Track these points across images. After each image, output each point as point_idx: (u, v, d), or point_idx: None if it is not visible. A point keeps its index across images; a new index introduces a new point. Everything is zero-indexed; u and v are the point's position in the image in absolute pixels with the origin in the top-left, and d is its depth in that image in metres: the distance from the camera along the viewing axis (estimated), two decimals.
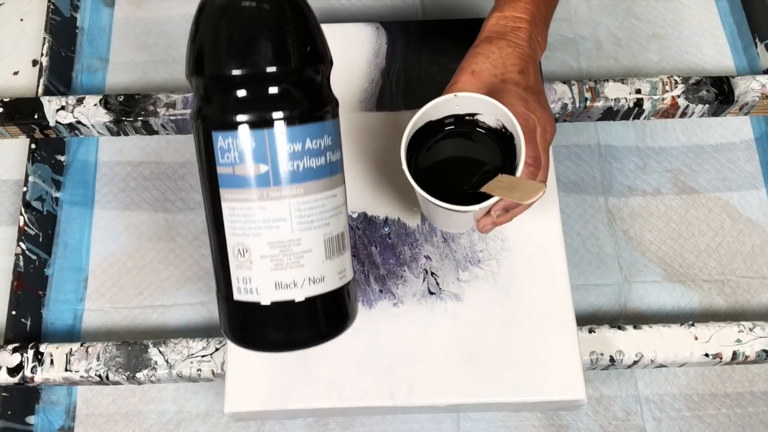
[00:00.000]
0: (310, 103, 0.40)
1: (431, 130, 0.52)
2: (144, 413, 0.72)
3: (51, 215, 0.78)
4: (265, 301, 0.40)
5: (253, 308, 0.41)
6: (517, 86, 0.50)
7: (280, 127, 0.38)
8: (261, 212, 0.39)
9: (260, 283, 0.40)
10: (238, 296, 0.41)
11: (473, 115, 0.51)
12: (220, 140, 0.39)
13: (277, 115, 0.38)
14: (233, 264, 0.41)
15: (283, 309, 0.41)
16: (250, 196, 0.39)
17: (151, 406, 0.72)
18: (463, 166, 0.52)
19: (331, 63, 0.43)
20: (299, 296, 0.40)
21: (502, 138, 0.51)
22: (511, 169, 0.50)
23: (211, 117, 0.40)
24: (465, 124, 0.52)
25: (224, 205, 0.40)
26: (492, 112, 0.49)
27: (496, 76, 0.50)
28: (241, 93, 0.38)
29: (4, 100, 0.76)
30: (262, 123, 0.38)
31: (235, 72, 0.38)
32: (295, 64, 0.39)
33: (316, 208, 0.40)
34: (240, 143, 0.38)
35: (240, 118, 0.38)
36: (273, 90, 0.39)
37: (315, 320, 0.42)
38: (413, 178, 0.47)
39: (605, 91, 0.74)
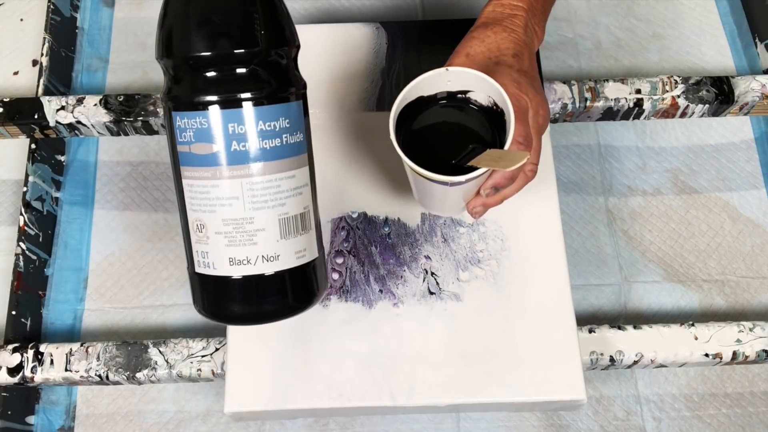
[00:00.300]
0: (264, 87, 0.41)
1: (422, 105, 0.51)
2: (144, 413, 0.72)
3: (51, 215, 0.78)
4: (222, 275, 0.42)
5: (212, 281, 0.42)
6: (510, 68, 0.50)
7: (229, 111, 0.40)
8: (215, 190, 0.41)
9: (216, 257, 0.41)
10: (198, 269, 0.43)
11: (465, 92, 0.51)
12: (178, 120, 0.41)
13: (228, 97, 0.40)
14: (193, 238, 0.43)
15: (239, 284, 0.42)
16: (204, 174, 0.41)
17: (151, 406, 0.72)
18: (453, 142, 0.52)
19: (290, 44, 0.43)
20: (253, 273, 0.41)
21: (494, 116, 0.50)
22: (500, 146, 0.49)
23: (172, 98, 0.41)
24: (457, 101, 0.51)
25: (184, 183, 0.42)
26: (484, 89, 0.49)
27: (490, 59, 0.51)
28: (192, 75, 0.40)
29: (4, 100, 0.76)
30: (210, 104, 0.40)
31: (185, 55, 0.40)
32: (245, 47, 0.40)
33: (270, 188, 0.41)
34: (193, 123, 0.40)
35: (193, 99, 0.40)
36: (221, 73, 0.40)
37: (271, 296, 0.43)
38: (402, 151, 0.47)
39: (605, 91, 0.74)
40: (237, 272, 0.41)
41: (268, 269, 0.41)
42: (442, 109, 0.52)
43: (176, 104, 0.41)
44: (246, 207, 0.40)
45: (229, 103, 0.40)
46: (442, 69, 0.48)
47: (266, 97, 0.40)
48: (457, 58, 0.51)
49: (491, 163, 0.45)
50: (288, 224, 0.42)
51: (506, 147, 0.46)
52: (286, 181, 0.41)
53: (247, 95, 0.40)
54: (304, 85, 0.44)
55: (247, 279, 0.41)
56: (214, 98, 0.39)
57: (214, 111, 0.39)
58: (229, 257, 0.41)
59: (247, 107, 0.40)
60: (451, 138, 0.52)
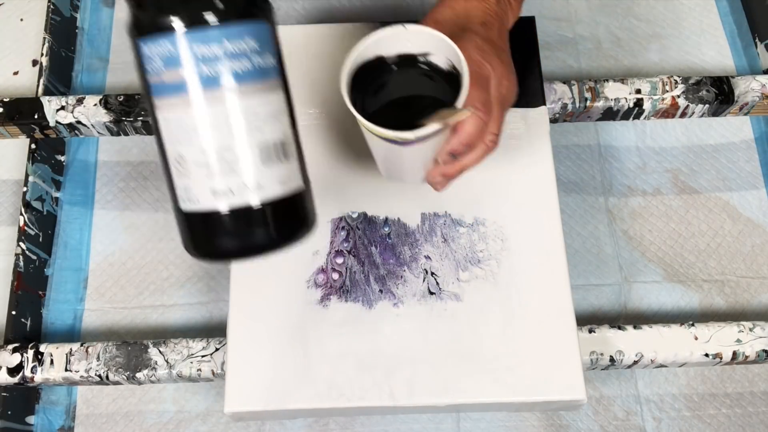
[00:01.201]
0: (226, 4, 0.39)
1: (381, 65, 0.50)
2: (144, 413, 0.72)
3: (51, 215, 0.78)
4: (205, 209, 0.40)
5: (198, 218, 0.41)
6: (476, 35, 0.49)
7: (194, 31, 0.38)
8: (190, 120, 0.39)
9: (198, 191, 0.40)
10: (182, 205, 0.42)
11: (425, 54, 0.50)
12: (144, 48, 0.39)
13: (191, 15, 0.38)
14: (174, 173, 0.41)
15: (225, 216, 0.40)
16: (177, 102, 0.39)
17: (151, 406, 0.72)
18: (411, 105, 0.51)
19: None
20: (238, 203, 0.40)
21: (454, 80, 0.49)
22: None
23: (136, 26, 0.40)
24: (416, 62, 0.50)
25: (158, 115, 0.40)
26: (443, 51, 0.48)
27: (457, 25, 0.50)
28: None
29: (4, 100, 0.76)
30: (173, 25, 0.38)
31: None
32: None
33: (246, 113, 0.39)
34: (159, 49, 0.38)
35: (156, 21, 0.38)
36: None
37: (259, 227, 0.41)
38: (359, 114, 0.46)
39: (605, 91, 0.74)
40: (222, 204, 0.40)
41: (253, 198, 0.40)
42: (401, 71, 0.51)
43: (140, 31, 0.39)
44: (223, 134, 0.39)
45: (194, 21, 0.38)
46: (400, 26, 0.47)
47: (230, 14, 0.39)
48: (426, 24, 0.50)
49: (437, 119, 0.45)
50: (268, 151, 0.40)
51: (458, 106, 0.45)
52: (262, 107, 0.40)
53: (210, 13, 0.38)
54: (271, 8, 0.42)
55: (233, 211, 0.40)
56: (177, 18, 0.38)
57: (180, 31, 0.38)
58: (211, 188, 0.40)
59: (213, 25, 0.38)
60: (410, 101, 0.51)
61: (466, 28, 0.50)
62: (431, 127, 0.45)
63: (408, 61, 0.50)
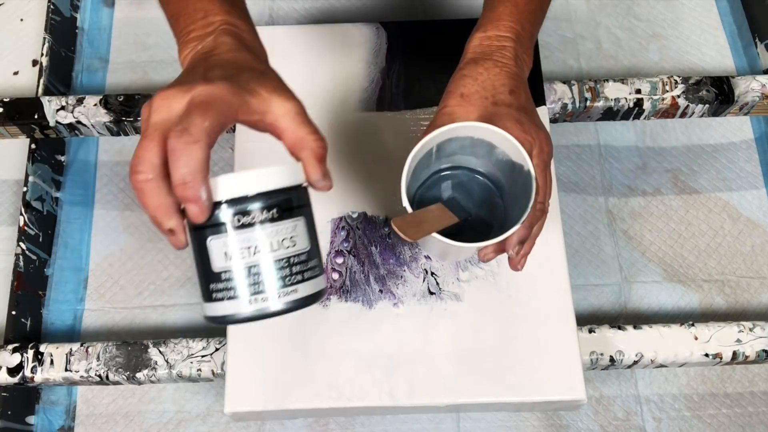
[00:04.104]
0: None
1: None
2: (144, 413, 0.72)
3: (51, 215, 0.78)
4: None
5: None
6: (510, 108, 0.49)
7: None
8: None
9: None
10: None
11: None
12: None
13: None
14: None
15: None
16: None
17: (151, 406, 0.72)
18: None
19: None
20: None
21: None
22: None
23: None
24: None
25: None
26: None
27: (487, 99, 0.49)
28: None
29: (4, 100, 0.76)
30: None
31: None
32: None
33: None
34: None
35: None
36: None
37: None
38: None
39: (605, 91, 0.74)
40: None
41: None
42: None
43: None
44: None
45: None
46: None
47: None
48: (452, 99, 0.50)
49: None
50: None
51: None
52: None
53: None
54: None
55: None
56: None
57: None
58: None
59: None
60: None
61: (497, 101, 0.49)
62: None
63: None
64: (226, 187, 0.38)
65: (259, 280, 0.39)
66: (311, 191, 0.43)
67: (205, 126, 0.37)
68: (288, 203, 0.40)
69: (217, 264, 0.39)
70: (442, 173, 0.55)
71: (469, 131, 0.49)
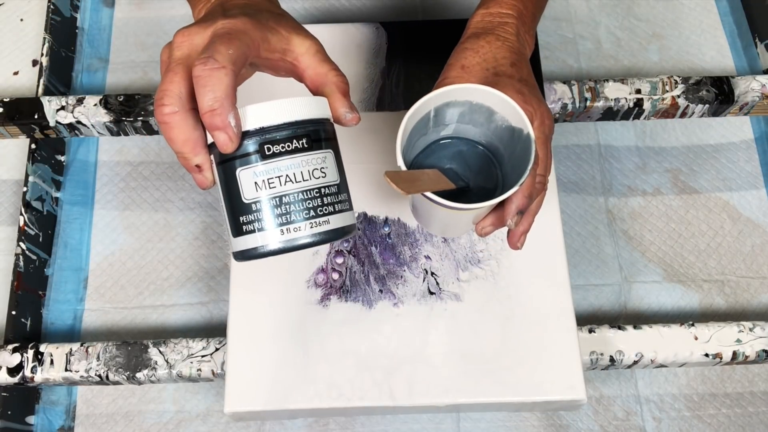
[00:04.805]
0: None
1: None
2: (144, 413, 0.72)
3: (51, 215, 0.78)
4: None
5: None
6: (511, 78, 0.48)
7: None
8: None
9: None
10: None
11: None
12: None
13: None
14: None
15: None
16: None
17: (151, 406, 0.72)
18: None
19: None
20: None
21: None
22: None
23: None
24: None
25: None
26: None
27: (488, 70, 0.49)
28: None
29: (4, 100, 0.76)
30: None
31: None
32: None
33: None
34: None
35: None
36: None
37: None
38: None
39: (605, 91, 0.74)
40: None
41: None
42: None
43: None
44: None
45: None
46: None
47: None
48: (453, 71, 0.49)
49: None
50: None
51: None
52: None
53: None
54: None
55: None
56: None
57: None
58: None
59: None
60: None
61: (499, 72, 0.49)
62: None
63: None
64: (255, 116, 0.38)
65: (289, 210, 0.39)
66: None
67: (230, 53, 0.37)
68: (317, 134, 0.40)
69: (247, 195, 0.39)
70: (440, 142, 0.53)
71: (467, 94, 0.47)
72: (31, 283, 0.74)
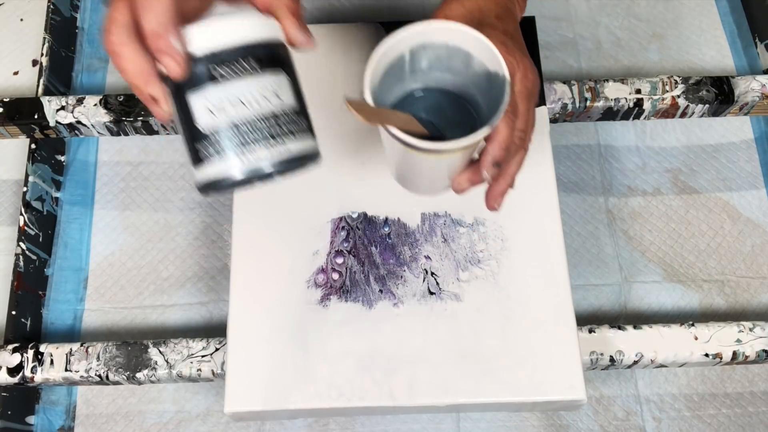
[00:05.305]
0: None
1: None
2: (144, 413, 0.72)
3: (51, 215, 0.78)
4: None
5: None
6: (495, 29, 0.47)
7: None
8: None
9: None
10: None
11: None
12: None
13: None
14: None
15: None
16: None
17: (151, 406, 0.72)
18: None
19: None
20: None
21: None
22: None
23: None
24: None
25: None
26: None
27: (472, 21, 0.47)
28: None
29: (4, 100, 0.76)
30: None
31: None
32: None
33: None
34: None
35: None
36: None
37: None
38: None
39: (605, 91, 0.74)
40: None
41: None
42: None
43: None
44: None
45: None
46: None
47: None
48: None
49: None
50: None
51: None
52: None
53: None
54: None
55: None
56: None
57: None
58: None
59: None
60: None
61: (483, 23, 0.47)
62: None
63: None
64: (201, 38, 0.37)
65: (245, 135, 0.38)
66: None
67: None
68: (268, 57, 0.39)
69: (201, 121, 0.38)
70: (417, 96, 0.51)
71: (444, 35, 0.45)
72: (31, 283, 0.74)
